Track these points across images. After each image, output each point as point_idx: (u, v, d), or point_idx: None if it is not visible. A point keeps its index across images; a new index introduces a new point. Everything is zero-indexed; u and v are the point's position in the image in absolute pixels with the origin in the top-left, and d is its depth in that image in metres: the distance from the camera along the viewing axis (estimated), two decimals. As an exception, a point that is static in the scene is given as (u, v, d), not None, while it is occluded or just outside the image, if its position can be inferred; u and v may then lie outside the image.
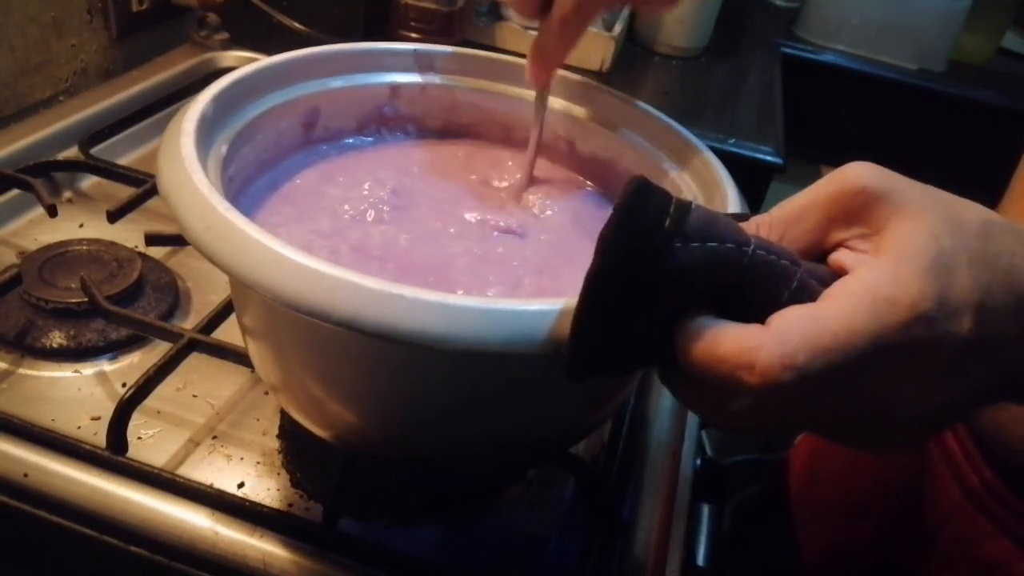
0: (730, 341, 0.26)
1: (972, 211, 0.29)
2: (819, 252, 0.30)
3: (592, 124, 0.52)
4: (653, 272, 0.27)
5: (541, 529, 0.48)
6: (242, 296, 0.41)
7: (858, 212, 0.29)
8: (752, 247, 0.27)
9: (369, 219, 0.45)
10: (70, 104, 0.76)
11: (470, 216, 0.48)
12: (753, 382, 0.25)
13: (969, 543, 0.53)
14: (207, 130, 0.39)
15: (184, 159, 0.35)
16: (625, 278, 0.27)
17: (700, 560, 0.62)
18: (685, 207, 0.27)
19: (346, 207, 0.45)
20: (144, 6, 0.84)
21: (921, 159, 1.32)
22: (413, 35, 0.91)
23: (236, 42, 0.90)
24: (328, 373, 0.38)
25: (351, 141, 0.52)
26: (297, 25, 0.89)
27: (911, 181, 0.29)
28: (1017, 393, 0.30)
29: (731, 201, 0.41)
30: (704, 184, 0.45)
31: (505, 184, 0.52)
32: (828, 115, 1.34)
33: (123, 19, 0.82)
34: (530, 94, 0.52)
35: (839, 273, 0.28)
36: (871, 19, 1.27)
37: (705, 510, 0.67)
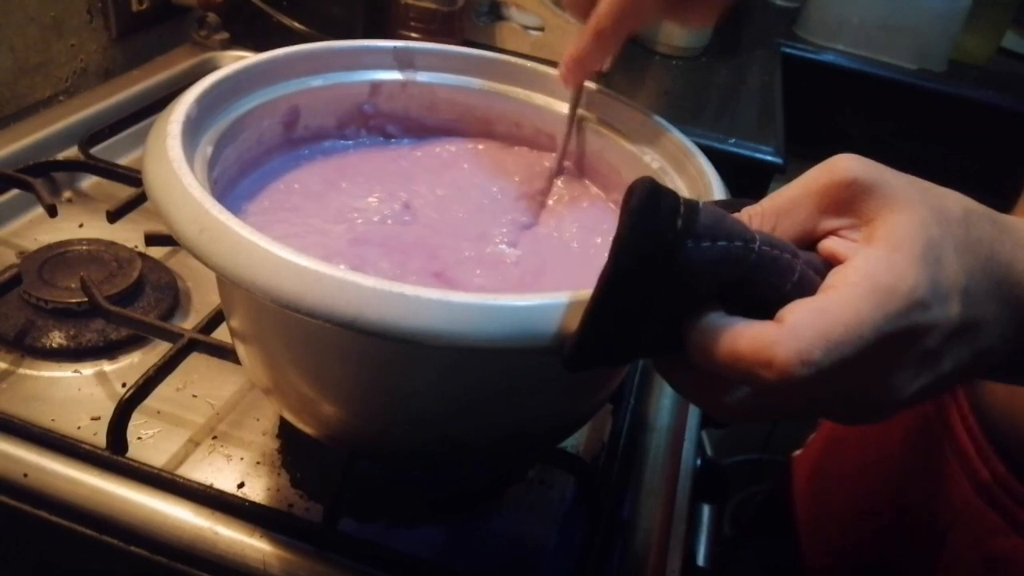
0: (747, 339, 0.27)
1: (954, 200, 0.30)
2: (809, 241, 0.31)
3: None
4: (665, 272, 0.27)
5: (541, 529, 0.48)
6: (231, 298, 0.41)
7: (848, 203, 0.30)
8: (758, 243, 0.28)
9: (358, 220, 0.45)
10: (70, 104, 0.76)
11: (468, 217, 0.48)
12: (771, 378, 0.26)
13: (978, 540, 0.53)
14: (192, 131, 0.39)
15: (172, 161, 0.35)
16: (638, 278, 0.27)
17: (700, 560, 0.62)
18: (694, 207, 0.27)
19: (333, 207, 0.46)
20: (144, 6, 0.84)
21: (921, 159, 1.32)
22: (413, 35, 0.91)
23: (236, 42, 0.90)
24: (322, 373, 0.38)
25: (331, 144, 0.52)
26: (297, 25, 0.89)
27: (896, 172, 0.30)
28: (992, 370, 0.32)
29: (715, 188, 0.41)
30: (688, 175, 0.45)
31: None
32: (828, 115, 1.34)
33: (123, 19, 0.82)
34: (510, 90, 0.53)
35: (831, 262, 0.29)
36: (871, 19, 1.27)
37: (705, 510, 0.67)
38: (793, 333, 0.26)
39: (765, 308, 0.28)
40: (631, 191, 0.27)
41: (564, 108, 0.52)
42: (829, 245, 0.30)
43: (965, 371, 0.30)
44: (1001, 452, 0.52)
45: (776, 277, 0.28)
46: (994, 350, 0.30)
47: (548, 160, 0.54)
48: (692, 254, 0.27)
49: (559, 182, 0.53)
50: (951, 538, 0.56)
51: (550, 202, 0.51)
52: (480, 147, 0.54)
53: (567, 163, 0.54)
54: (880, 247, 0.28)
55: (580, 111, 0.52)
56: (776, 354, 0.26)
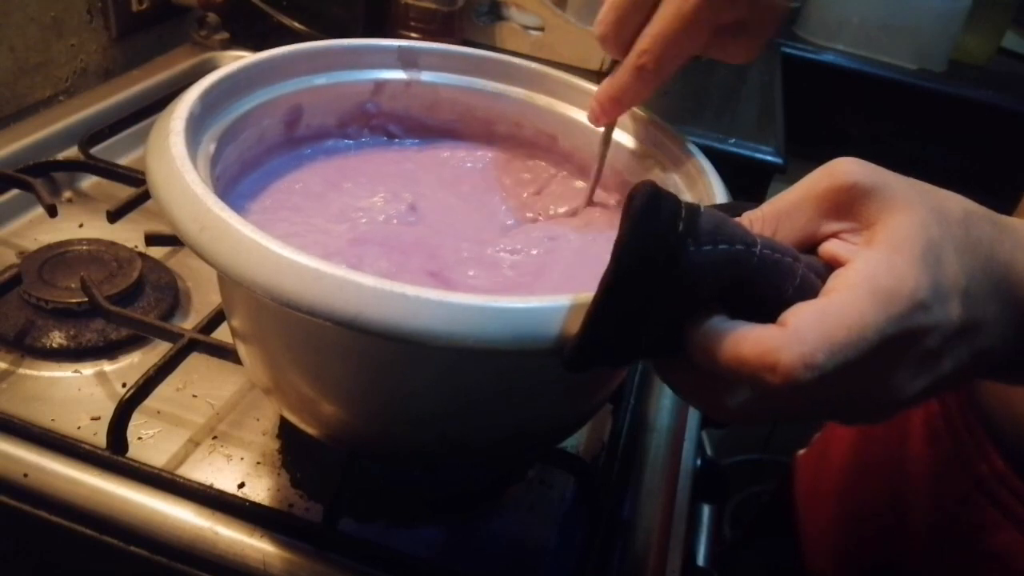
0: (750, 343, 0.27)
1: (954, 201, 0.30)
2: (810, 245, 0.31)
3: (575, 120, 0.52)
4: (667, 275, 0.27)
5: (541, 529, 0.48)
6: (231, 297, 0.40)
7: (848, 206, 0.30)
8: (759, 247, 0.28)
9: (362, 220, 0.45)
10: (70, 104, 0.76)
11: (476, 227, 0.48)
12: (776, 382, 0.26)
13: (976, 535, 0.54)
14: (194, 129, 0.39)
15: (175, 159, 0.35)
16: (639, 281, 0.27)
17: (700, 560, 0.62)
18: (695, 210, 0.27)
19: (336, 207, 0.46)
20: (144, 6, 0.84)
21: (921, 159, 1.32)
22: (413, 35, 0.91)
23: (236, 42, 0.90)
24: (322, 373, 0.38)
25: (333, 143, 0.52)
26: (297, 25, 0.89)
27: (896, 175, 0.30)
28: (990, 369, 0.32)
29: (715, 188, 0.42)
30: (688, 175, 0.45)
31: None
32: (828, 115, 1.34)
33: (123, 19, 0.82)
34: (512, 90, 0.53)
35: (832, 264, 0.29)
36: (871, 19, 1.27)
37: (705, 510, 0.67)
38: (796, 337, 0.26)
39: (767, 311, 0.28)
40: (632, 196, 0.27)
41: (564, 108, 0.52)
42: (830, 248, 0.30)
43: (965, 371, 0.30)
44: (1000, 448, 0.53)
45: (777, 281, 0.28)
46: (994, 350, 0.30)
47: (553, 168, 0.54)
48: (693, 258, 0.27)
49: (554, 184, 0.53)
50: (951, 535, 0.56)
51: (550, 206, 0.51)
52: (489, 155, 0.54)
53: (568, 166, 0.54)
54: (881, 249, 0.28)
55: (579, 110, 0.52)
56: (780, 358, 0.26)
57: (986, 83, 1.30)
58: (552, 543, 0.48)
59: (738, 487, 1.35)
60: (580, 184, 0.53)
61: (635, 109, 0.49)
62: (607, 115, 0.46)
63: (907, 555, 0.60)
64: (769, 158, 0.89)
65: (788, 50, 1.28)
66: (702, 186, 0.43)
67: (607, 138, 0.48)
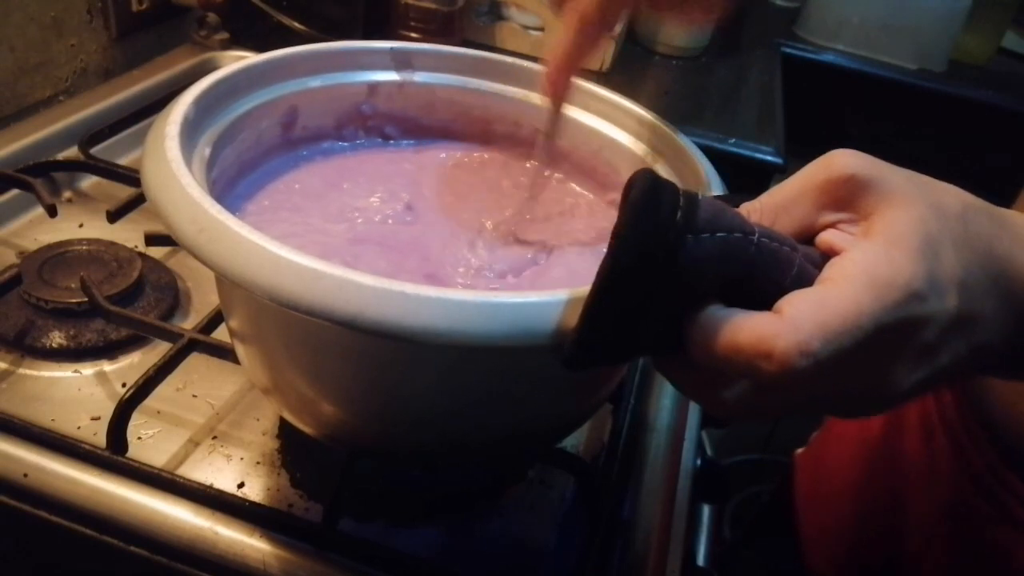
0: (746, 331, 0.27)
1: (952, 195, 0.30)
2: (807, 236, 0.31)
3: (573, 119, 0.52)
4: (665, 268, 0.27)
5: (541, 529, 0.48)
6: (230, 298, 0.40)
7: (846, 199, 0.30)
8: (757, 235, 0.28)
9: (359, 220, 0.45)
10: (70, 104, 0.76)
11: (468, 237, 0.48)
12: (772, 370, 0.26)
13: (974, 534, 0.54)
14: (190, 132, 0.39)
15: (171, 162, 0.35)
16: (638, 274, 0.27)
17: (700, 560, 0.62)
18: (694, 199, 0.27)
19: (335, 207, 0.46)
20: (144, 6, 0.84)
21: (921, 159, 1.32)
22: (413, 35, 0.91)
23: (236, 42, 0.90)
24: (321, 373, 0.38)
25: (329, 144, 0.52)
26: (297, 25, 0.89)
27: (894, 167, 0.30)
28: (987, 364, 0.32)
29: (714, 188, 0.42)
30: (687, 175, 0.45)
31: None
32: (828, 115, 1.34)
33: (123, 19, 0.82)
34: (509, 89, 0.52)
35: (829, 254, 0.29)
36: (871, 19, 1.27)
37: (705, 510, 0.67)
38: (792, 324, 0.26)
39: (764, 303, 0.28)
40: (631, 184, 0.27)
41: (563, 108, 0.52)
42: (827, 238, 0.30)
43: (962, 365, 0.30)
44: (997, 446, 0.53)
45: (776, 271, 0.28)
46: (991, 345, 0.30)
47: (548, 170, 0.54)
48: (693, 249, 0.27)
49: (555, 182, 0.53)
50: (948, 533, 0.56)
51: (549, 206, 0.51)
52: (486, 156, 0.54)
53: (566, 165, 0.54)
54: (878, 241, 0.28)
55: (577, 109, 0.52)
56: (776, 345, 0.26)
57: (986, 83, 1.30)
58: (552, 543, 0.48)
59: (738, 487, 1.35)
60: (575, 187, 0.53)
61: (635, 108, 0.49)
62: (559, 83, 0.45)
63: (906, 553, 0.60)
64: (769, 158, 0.89)
65: (788, 50, 1.28)
66: (701, 185, 0.43)
67: (556, 107, 0.46)
